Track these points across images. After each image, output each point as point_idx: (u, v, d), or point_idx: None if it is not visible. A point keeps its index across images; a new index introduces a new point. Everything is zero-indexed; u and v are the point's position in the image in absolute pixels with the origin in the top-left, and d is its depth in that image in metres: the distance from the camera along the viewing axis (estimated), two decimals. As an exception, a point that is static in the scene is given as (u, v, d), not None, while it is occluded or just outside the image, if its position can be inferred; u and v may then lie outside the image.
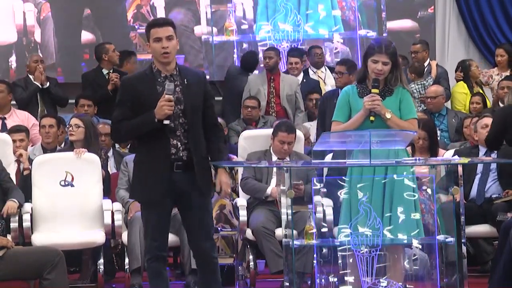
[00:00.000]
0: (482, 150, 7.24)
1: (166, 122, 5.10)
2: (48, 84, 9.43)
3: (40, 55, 10.42)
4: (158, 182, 5.13)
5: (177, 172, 5.14)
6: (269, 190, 6.89)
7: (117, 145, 8.65)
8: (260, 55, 10.47)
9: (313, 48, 10.56)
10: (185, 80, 5.20)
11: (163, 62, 5.17)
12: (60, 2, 11.18)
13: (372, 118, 5.37)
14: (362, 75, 5.52)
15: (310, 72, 10.39)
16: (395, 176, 5.34)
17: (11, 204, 6.50)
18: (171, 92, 5.10)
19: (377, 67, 5.39)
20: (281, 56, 10.30)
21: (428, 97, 9.15)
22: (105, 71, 9.62)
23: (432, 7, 11.63)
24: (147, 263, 5.27)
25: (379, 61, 5.38)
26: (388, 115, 5.37)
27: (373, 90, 5.40)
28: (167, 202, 5.21)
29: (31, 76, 9.48)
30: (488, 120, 7.25)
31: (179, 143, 5.16)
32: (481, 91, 9.82)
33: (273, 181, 6.98)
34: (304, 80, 10.10)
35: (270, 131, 7.17)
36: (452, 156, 7.15)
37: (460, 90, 10.03)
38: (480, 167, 7.17)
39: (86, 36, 11.19)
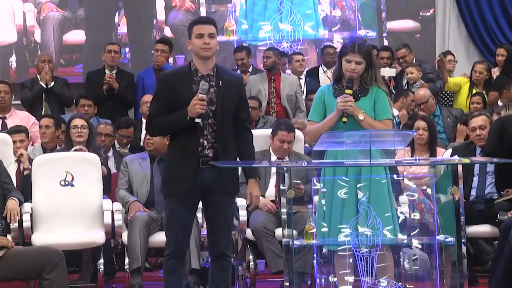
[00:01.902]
0: (478, 148, 7.23)
1: (198, 120, 5.18)
2: (53, 83, 9.42)
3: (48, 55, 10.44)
4: (184, 178, 5.20)
5: (204, 169, 5.20)
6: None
7: (117, 145, 8.66)
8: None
9: (326, 47, 10.57)
10: (220, 82, 5.26)
11: (203, 56, 5.24)
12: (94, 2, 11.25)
13: (344, 119, 5.37)
14: (338, 75, 5.51)
15: (321, 70, 10.41)
16: (371, 176, 5.32)
17: (12, 203, 6.51)
18: (204, 91, 5.17)
19: (351, 66, 5.38)
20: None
21: (419, 104, 9.14)
22: (107, 71, 9.62)
23: (432, 7, 11.63)
24: (165, 258, 5.30)
25: (352, 61, 5.38)
26: (361, 116, 5.36)
27: (346, 91, 5.39)
28: (192, 198, 5.26)
29: (39, 77, 9.50)
30: (475, 122, 7.24)
31: (205, 142, 5.23)
32: (481, 91, 9.80)
33: (272, 182, 6.99)
34: (307, 80, 10.11)
35: (269, 131, 7.17)
36: (451, 153, 7.14)
37: (459, 81, 10.03)
38: (476, 169, 7.16)
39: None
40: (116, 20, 11.22)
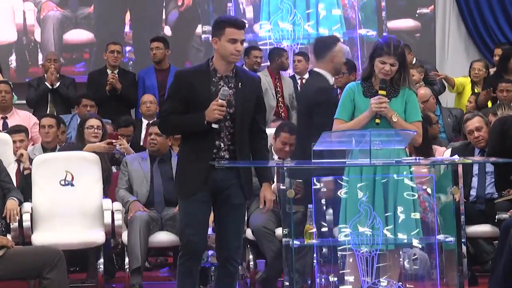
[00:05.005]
0: (477, 149, 7.22)
1: (215, 126, 5.03)
2: (58, 84, 9.38)
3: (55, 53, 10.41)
4: (198, 179, 5.04)
5: (218, 170, 5.05)
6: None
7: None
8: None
9: None
10: (240, 83, 5.13)
11: (229, 62, 5.10)
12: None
13: (377, 120, 5.32)
14: (368, 74, 5.44)
15: None
16: (395, 175, 5.31)
17: (11, 203, 6.51)
18: (225, 97, 5.01)
19: (385, 68, 5.32)
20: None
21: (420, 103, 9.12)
22: (109, 71, 9.60)
23: (432, 6, 11.62)
24: (180, 259, 5.14)
25: (387, 63, 5.32)
26: (394, 118, 5.31)
27: (380, 92, 5.34)
28: (207, 198, 5.10)
29: (45, 76, 9.48)
30: (472, 125, 7.22)
31: (222, 144, 5.10)
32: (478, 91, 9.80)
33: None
34: None
35: (269, 131, 7.15)
36: (450, 153, 7.13)
37: (463, 81, 10.02)
38: (476, 169, 7.15)
39: (86, 35, 11.20)
40: (125, 19, 11.22)
